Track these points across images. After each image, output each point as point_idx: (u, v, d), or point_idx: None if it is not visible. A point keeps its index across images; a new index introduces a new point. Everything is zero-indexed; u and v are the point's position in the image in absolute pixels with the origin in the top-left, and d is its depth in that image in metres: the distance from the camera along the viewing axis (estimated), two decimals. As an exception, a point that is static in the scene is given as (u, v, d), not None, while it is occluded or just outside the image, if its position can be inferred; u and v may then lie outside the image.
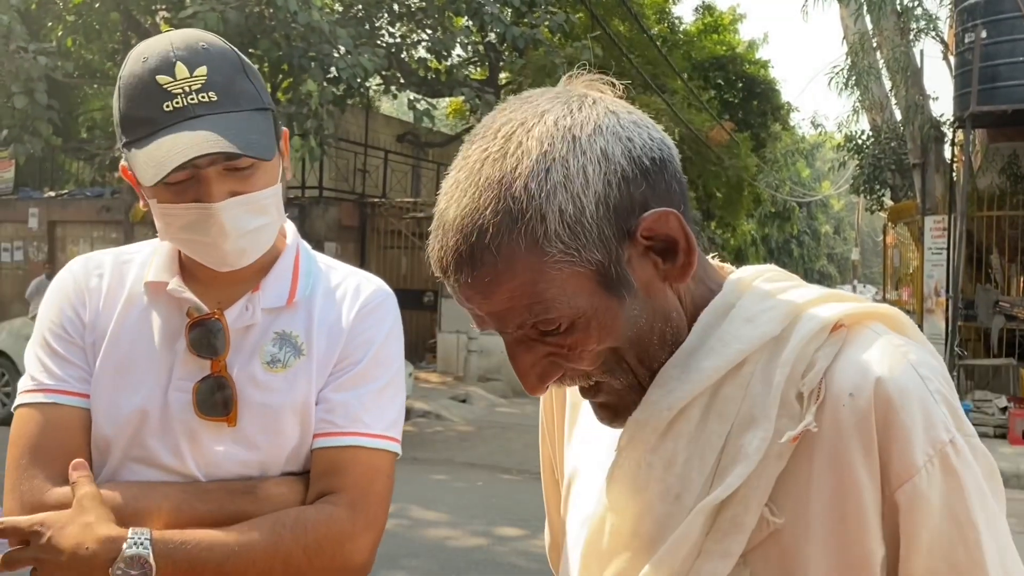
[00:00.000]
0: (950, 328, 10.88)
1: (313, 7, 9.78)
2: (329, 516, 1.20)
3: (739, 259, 28.18)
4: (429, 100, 13.57)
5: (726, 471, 0.79)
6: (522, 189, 0.74)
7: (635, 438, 0.84)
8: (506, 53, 14.80)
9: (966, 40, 11.01)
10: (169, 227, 1.22)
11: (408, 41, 14.39)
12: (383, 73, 12.76)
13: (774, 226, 35.22)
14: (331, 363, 1.29)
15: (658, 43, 19.46)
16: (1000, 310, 10.69)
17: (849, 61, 13.37)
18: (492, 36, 13.88)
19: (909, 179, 13.68)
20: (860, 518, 0.76)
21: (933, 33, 12.81)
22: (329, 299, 1.33)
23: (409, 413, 9.61)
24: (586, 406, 0.98)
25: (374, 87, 14.30)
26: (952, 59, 12.27)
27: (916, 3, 12.59)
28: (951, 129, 12.50)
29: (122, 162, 1.23)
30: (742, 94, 25.02)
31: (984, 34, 10.59)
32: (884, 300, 11.56)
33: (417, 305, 14.23)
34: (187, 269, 1.30)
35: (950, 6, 12.52)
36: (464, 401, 11.85)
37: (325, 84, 10.36)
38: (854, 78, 13.36)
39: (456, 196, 0.76)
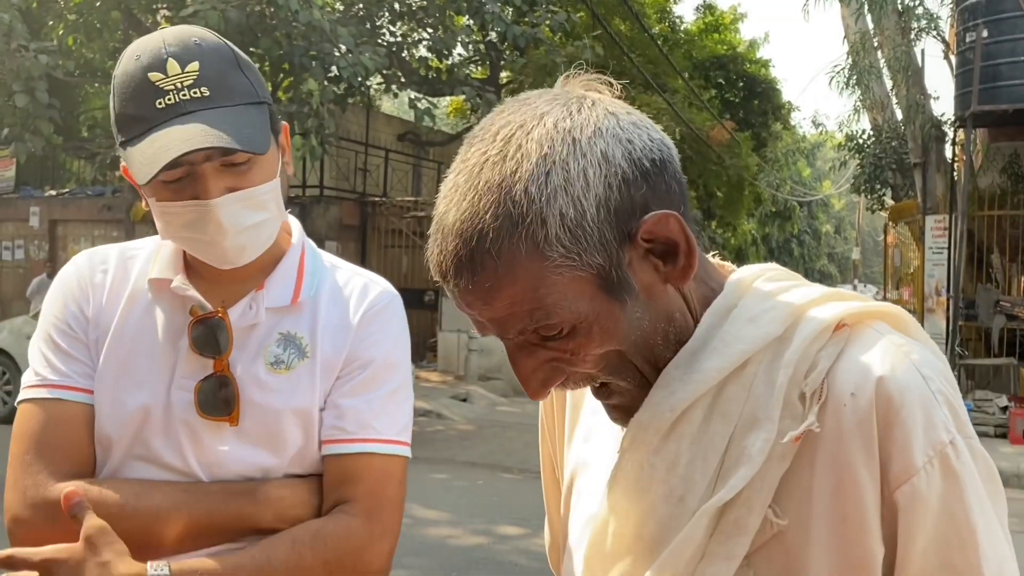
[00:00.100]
0: (951, 328, 10.87)
1: (314, 6, 9.78)
2: (346, 528, 1.21)
3: (740, 258, 28.17)
4: (430, 99, 13.56)
5: (729, 473, 0.79)
6: (522, 193, 0.73)
7: (637, 439, 0.83)
8: (507, 52, 14.80)
9: (967, 39, 11.01)
10: (169, 226, 1.21)
11: (409, 40, 14.39)
12: (384, 72, 12.75)
13: (775, 225, 35.21)
14: (337, 366, 1.28)
15: (659, 42, 19.44)
16: (1001, 309, 10.68)
17: (850, 60, 13.36)
18: (493, 35, 13.87)
19: (910, 178, 13.68)
20: (861, 518, 0.76)
21: (934, 32, 12.80)
22: (335, 300, 1.31)
23: (410, 412, 9.55)
24: (587, 406, 0.98)
25: (375, 86, 14.28)
26: (953, 58, 12.26)
27: (917, 2, 12.58)
28: (952, 128, 12.49)
29: (122, 161, 1.22)
30: (743, 93, 25.01)
31: (985, 33, 10.59)
32: (885, 300, 11.55)
33: (418, 304, 14.23)
34: (191, 266, 1.29)
35: (951, 5, 12.51)
36: (465, 400, 11.85)
37: (326, 83, 10.37)
38: (855, 77, 13.36)
39: (455, 200, 0.75)
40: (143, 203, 1.27)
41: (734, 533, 0.79)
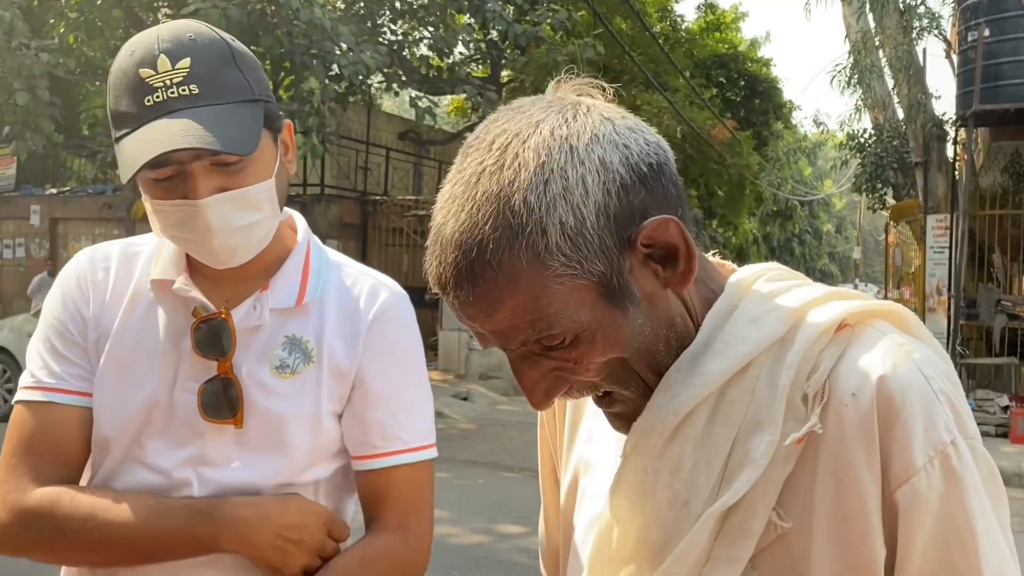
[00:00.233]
0: (952, 327, 10.86)
1: (315, 4, 9.77)
2: (387, 547, 1.26)
3: (741, 258, 28.16)
4: (431, 98, 13.56)
5: (733, 476, 0.78)
6: (521, 202, 0.72)
7: (641, 444, 0.83)
8: (508, 51, 14.78)
9: (969, 38, 10.99)
10: (160, 224, 1.19)
11: (410, 38, 14.37)
12: (385, 70, 12.75)
13: (776, 225, 35.19)
14: (350, 373, 1.26)
15: (660, 41, 19.42)
16: (1002, 309, 10.68)
17: (851, 59, 13.36)
18: (494, 34, 13.85)
19: (911, 178, 13.67)
20: (862, 519, 0.75)
21: (936, 31, 12.78)
22: (342, 303, 1.29)
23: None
24: (590, 407, 0.98)
25: (376, 84, 14.26)
26: (955, 57, 12.24)
27: (919, 1, 12.57)
28: (953, 128, 12.48)
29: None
30: (744, 92, 24.99)
31: (987, 32, 10.58)
32: (886, 299, 11.53)
33: (418, 303, 13.92)
34: (194, 265, 1.26)
35: (953, 4, 12.50)
36: (465, 399, 11.85)
37: (327, 81, 10.36)
38: (856, 76, 13.36)
39: (453, 211, 0.74)
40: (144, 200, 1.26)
41: (738, 536, 0.78)
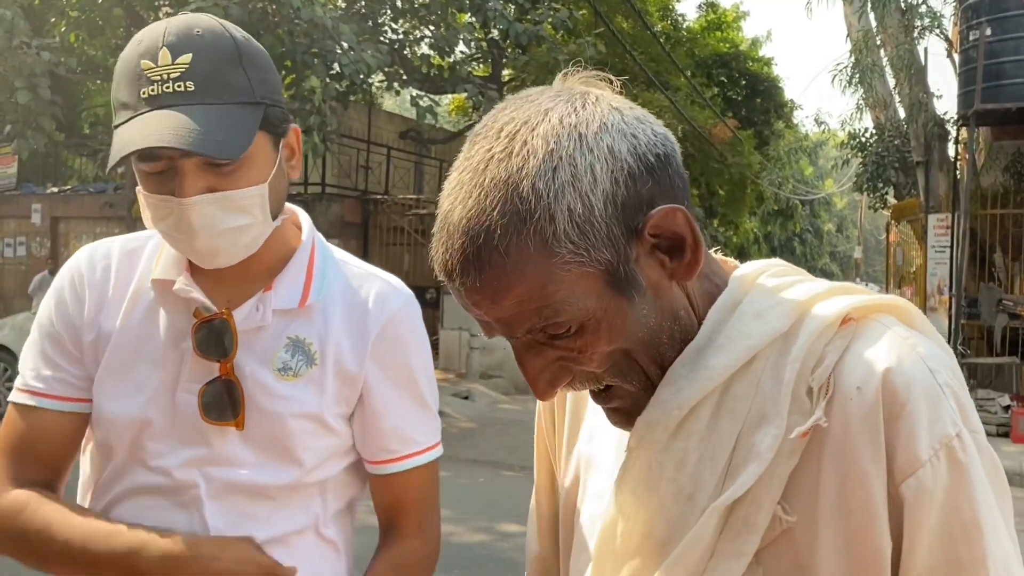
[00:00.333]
0: (953, 326, 10.86)
1: (316, 3, 9.76)
2: (411, 552, 1.30)
3: (741, 257, 27.92)
4: (432, 97, 13.55)
5: (738, 470, 0.78)
6: (530, 189, 0.72)
7: (645, 439, 0.82)
8: (509, 50, 14.77)
9: (970, 37, 10.99)
10: (151, 217, 1.17)
11: (411, 37, 14.36)
12: (386, 69, 12.74)
13: (777, 224, 35.16)
14: (358, 377, 1.25)
15: (661, 40, 19.43)
16: (1003, 308, 10.68)
17: (853, 59, 13.36)
18: (495, 33, 13.83)
19: (912, 177, 13.66)
20: (868, 513, 0.75)
21: (937, 30, 12.78)
22: (350, 304, 1.27)
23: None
24: (591, 404, 0.97)
25: (377, 83, 14.27)
26: (956, 56, 12.24)
27: (920, 0, 12.56)
28: (955, 127, 12.49)
29: None
30: (745, 91, 25.00)
31: (989, 31, 10.57)
32: (887, 298, 11.52)
33: (420, 302, 14.16)
34: (195, 264, 1.24)
35: (954, 3, 12.50)
36: (466, 398, 11.84)
37: (328, 80, 10.35)
38: (858, 76, 13.35)
39: (461, 197, 0.74)
40: None
41: (743, 531, 0.78)
